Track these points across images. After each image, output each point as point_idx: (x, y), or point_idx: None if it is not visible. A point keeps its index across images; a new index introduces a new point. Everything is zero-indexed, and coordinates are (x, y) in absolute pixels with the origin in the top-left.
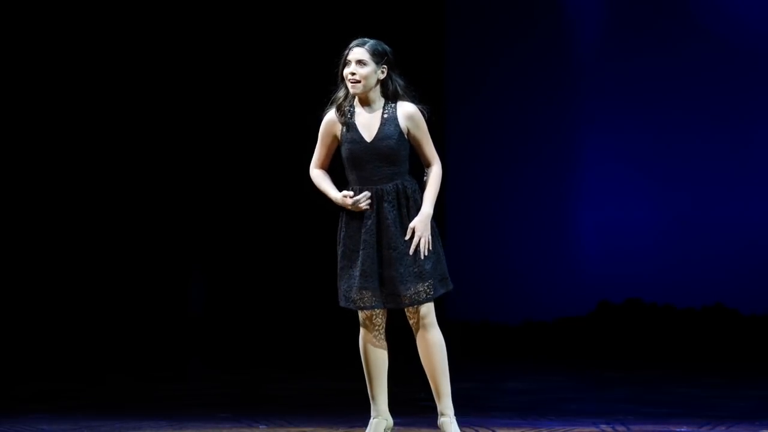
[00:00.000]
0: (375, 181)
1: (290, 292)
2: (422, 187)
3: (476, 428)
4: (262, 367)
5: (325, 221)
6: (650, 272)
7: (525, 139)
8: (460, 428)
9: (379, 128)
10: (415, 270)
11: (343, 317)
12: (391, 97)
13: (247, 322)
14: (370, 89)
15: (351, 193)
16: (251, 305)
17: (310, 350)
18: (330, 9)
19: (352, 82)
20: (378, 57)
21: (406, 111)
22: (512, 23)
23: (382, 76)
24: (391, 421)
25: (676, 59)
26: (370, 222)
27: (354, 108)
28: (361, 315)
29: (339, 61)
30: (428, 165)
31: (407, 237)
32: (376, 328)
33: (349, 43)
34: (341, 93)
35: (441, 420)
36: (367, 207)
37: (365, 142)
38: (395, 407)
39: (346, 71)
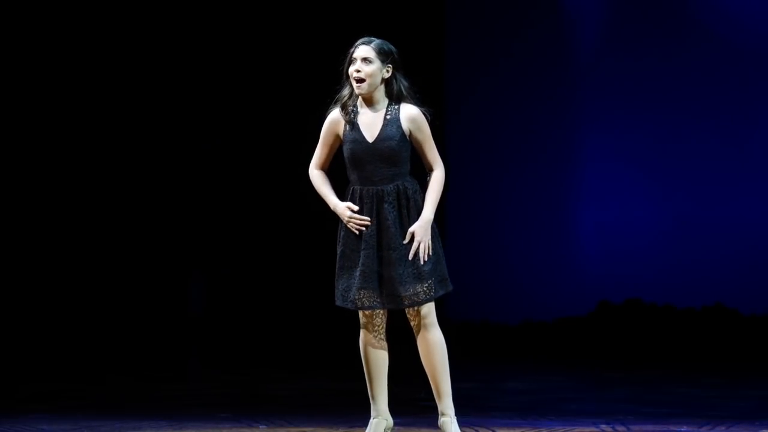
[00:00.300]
0: (376, 181)
1: (290, 292)
2: (424, 188)
3: (476, 428)
4: (262, 367)
5: (324, 221)
6: (650, 272)
7: (525, 139)
8: (460, 428)
9: (382, 129)
10: (414, 271)
11: (342, 317)
12: (395, 97)
13: (247, 322)
14: (375, 88)
15: (356, 207)
16: (251, 305)
17: (310, 350)
18: (330, 9)
19: (356, 80)
20: (384, 56)
21: (409, 113)
22: (512, 23)
23: (386, 75)
24: (391, 421)
25: (677, 59)
26: (370, 223)
27: (357, 107)
28: (361, 315)
29: (343, 59)
30: (430, 169)
31: (406, 241)
32: (377, 328)
33: (350, 43)
34: (346, 91)
35: (441, 420)
36: (363, 229)
37: (367, 142)
38: (395, 407)
39: (351, 69)
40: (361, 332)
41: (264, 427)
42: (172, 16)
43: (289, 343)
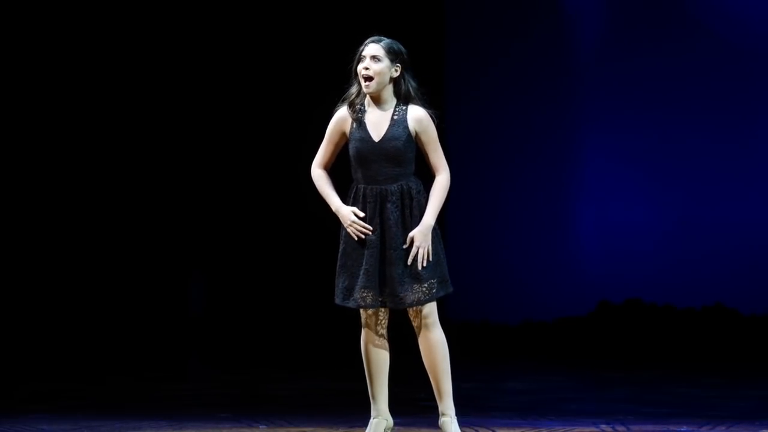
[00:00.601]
0: (380, 180)
1: (290, 292)
2: (428, 190)
3: (476, 428)
4: (262, 367)
5: (324, 221)
6: (650, 272)
7: (525, 139)
8: (460, 428)
9: (388, 129)
10: (414, 272)
11: (343, 317)
12: (403, 97)
13: (247, 322)
14: (383, 87)
15: (362, 214)
16: (251, 305)
17: (310, 350)
18: (330, 10)
19: (365, 78)
20: (393, 55)
21: (416, 115)
22: (512, 23)
23: (395, 75)
24: (391, 421)
25: (677, 59)
26: (373, 223)
27: (365, 106)
28: (363, 314)
29: (343, 59)
30: (435, 173)
31: (406, 245)
32: (378, 327)
33: (352, 42)
34: (354, 89)
35: (442, 420)
36: (362, 236)
37: (373, 141)
38: (395, 407)
39: (360, 66)
40: (363, 331)
41: (264, 427)
42: (173, 15)
43: (289, 343)
